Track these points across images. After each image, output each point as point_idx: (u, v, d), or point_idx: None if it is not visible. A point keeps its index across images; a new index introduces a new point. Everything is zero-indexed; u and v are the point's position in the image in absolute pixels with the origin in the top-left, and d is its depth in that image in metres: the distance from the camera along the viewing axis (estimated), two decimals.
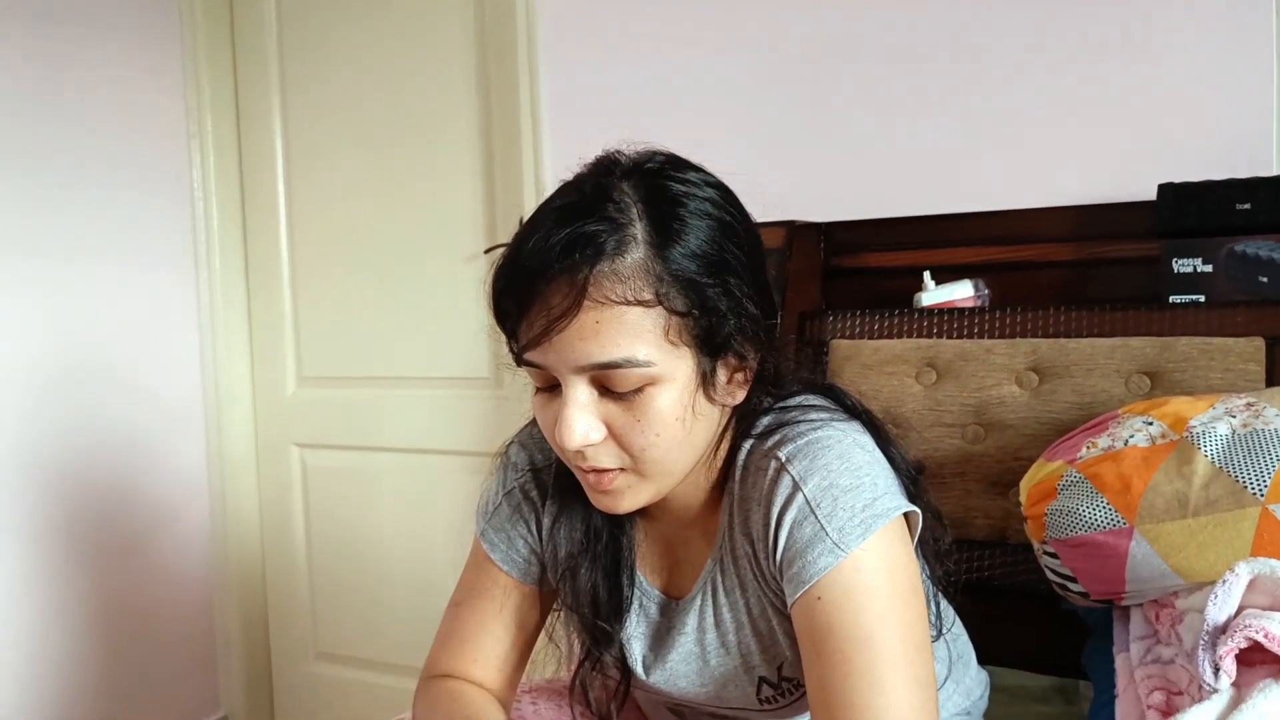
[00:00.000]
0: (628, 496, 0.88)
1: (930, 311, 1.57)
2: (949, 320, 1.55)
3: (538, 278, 0.81)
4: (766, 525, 0.87)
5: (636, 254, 0.80)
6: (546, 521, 1.01)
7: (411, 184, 2.31)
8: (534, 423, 1.05)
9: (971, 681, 1.15)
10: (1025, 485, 1.25)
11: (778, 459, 0.87)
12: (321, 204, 2.44)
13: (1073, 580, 1.18)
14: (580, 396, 0.83)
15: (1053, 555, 1.19)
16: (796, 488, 0.85)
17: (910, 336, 1.56)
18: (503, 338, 0.87)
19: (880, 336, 1.59)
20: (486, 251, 2.19)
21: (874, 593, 0.82)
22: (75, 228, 2.19)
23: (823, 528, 0.83)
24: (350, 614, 2.46)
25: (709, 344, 0.84)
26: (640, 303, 0.80)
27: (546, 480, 1.02)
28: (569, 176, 0.88)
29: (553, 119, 2.10)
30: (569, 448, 0.84)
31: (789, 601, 0.86)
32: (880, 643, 0.81)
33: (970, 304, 1.58)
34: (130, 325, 2.30)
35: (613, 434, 0.84)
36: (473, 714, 0.94)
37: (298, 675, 2.55)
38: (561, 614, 1.04)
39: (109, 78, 2.25)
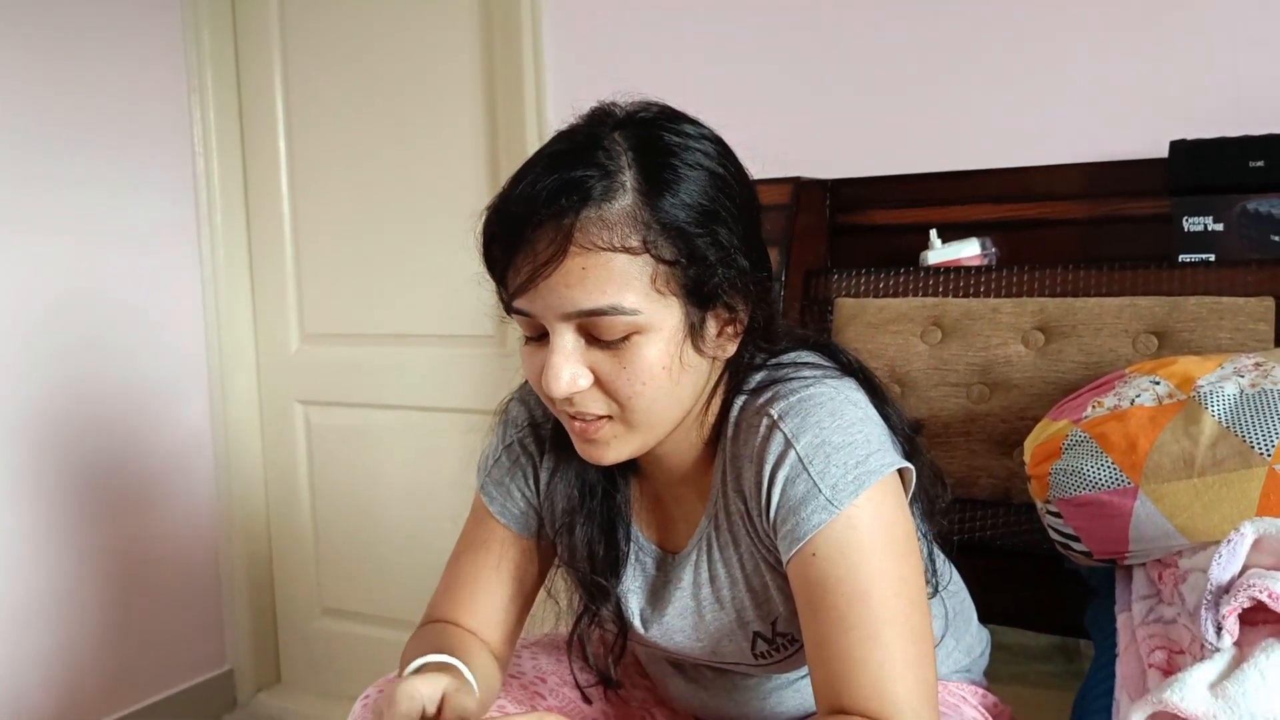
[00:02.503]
0: (614, 447, 0.87)
1: (936, 270, 1.55)
2: (955, 279, 1.53)
3: (525, 224, 0.80)
4: (759, 483, 0.87)
5: (624, 201, 0.80)
6: (544, 475, 1.01)
7: (414, 139, 2.28)
8: None
9: (972, 639, 1.15)
10: (1030, 444, 1.24)
11: (769, 416, 0.87)
12: (323, 160, 2.41)
13: (1076, 540, 1.17)
14: (566, 344, 0.82)
15: (1056, 515, 1.18)
16: (789, 445, 0.85)
17: (916, 295, 1.55)
18: (493, 286, 0.87)
19: (885, 295, 1.57)
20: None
21: (869, 548, 0.82)
22: (74, 186, 2.17)
23: (815, 485, 0.83)
24: (355, 570, 2.47)
25: (697, 294, 0.83)
26: (627, 250, 0.79)
27: (545, 435, 1.02)
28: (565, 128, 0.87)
29: (556, 74, 2.08)
30: (555, 395, 0.83)
31: (784, 559, 0.86)
32: (877, 597, 0.81)
33: (977, 263, 1.57)
34: (132, 282, 2.29)
35: (599, 382, 0.84)
36: (452, 645, 0.94)
37: (303, 630, 2.57)
38: (560, 570, 1.04)
39: (107, 32, 2.22)
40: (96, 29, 2.20)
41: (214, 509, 2.49)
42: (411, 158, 2.29)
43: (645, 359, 0.82)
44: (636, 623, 1.00)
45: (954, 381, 1.47)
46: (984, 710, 1.10)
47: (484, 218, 0.85)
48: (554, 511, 1.00)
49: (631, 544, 1.00)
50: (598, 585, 0.98)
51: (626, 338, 0.81)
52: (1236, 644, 0.86)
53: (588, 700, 1.11)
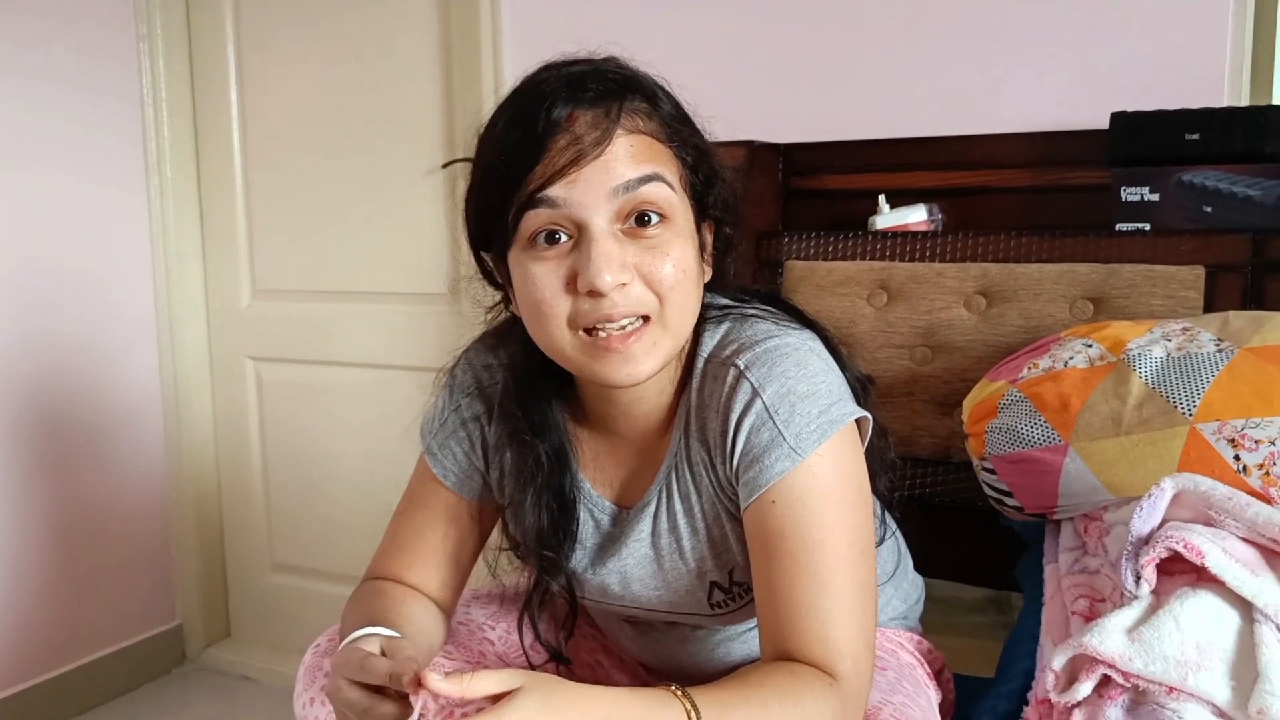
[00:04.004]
0: (652, 356, 0.86)
1: (884, 235, 1.59)
2: (902, 243, 1.56)
3: (571, 106, 0.82)
4: (724, 431, 0.89)
5: (647, 106, 0.85)
6: (491, 441, 1.01)
7: (370, 94, 2.26)
8: (480, 341, 1.05)
9: (909, 586, 1.19)
10: (968, 404, 1.28)
11: (736, 366, 0.89)
12: (276, 112, 2.38)
13: (1009, 495, 1.22)
14: (608, 232, 0.83)
15: (991, 471, 1.23)
16: (755, 394, 0.87)
17: (863, 259, 1.58)
18: (467, 236, 0.91)
19: (834, 258, 1.60)
20: (445, 165, 2.17)
21: (826, 498, 0.85)
22: (19, 136, 2.13)
23: (780, 433, 0.86)
24: (305, 525, 2.48)
25: (700, 204, 0.89)
26: (660, 140, 0.85)
27: (492, 398, 1.01)
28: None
29: (513, 31, 2.07)
30: (605, 286, 0.81)
31: (742, 506, 0.88)
32: (830, 546, 0.84)
33: (924, 228, 1.60)
34: (80, 235, 2.26)
35: (640, 275, 0.84)
36: (387, 606, 0.94)
37: (253, 585, 2.58)
38: (501, 530, 1.05)
39: None
40: None
41: (164, 464, 2.47)
42: (367, 112, 2.27)
43: (678, 247, 0.85)
44: (590, 576, 1.01)
45: (898, 343, 1.51)
46: (919, 655, 1.14)
47: (492, 119, 0.88)
48: (502, 479, 1.01)
49: (584, 502, 1.00)
50: (548, 560, 0.98)
51: (659, 226, 0.84)
52: (1154, 592, 0.91)
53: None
